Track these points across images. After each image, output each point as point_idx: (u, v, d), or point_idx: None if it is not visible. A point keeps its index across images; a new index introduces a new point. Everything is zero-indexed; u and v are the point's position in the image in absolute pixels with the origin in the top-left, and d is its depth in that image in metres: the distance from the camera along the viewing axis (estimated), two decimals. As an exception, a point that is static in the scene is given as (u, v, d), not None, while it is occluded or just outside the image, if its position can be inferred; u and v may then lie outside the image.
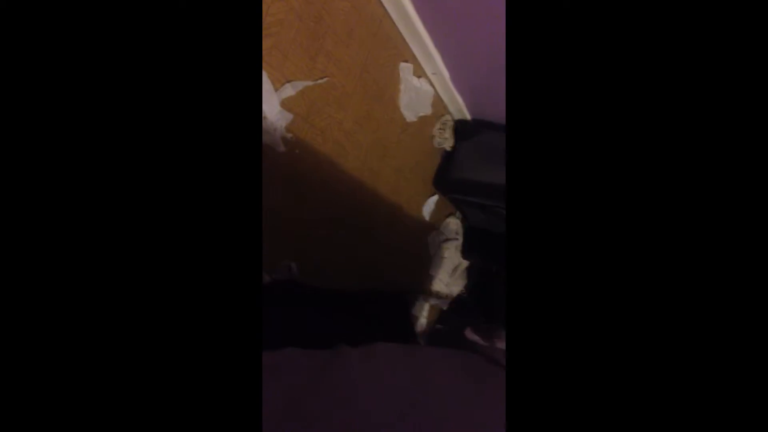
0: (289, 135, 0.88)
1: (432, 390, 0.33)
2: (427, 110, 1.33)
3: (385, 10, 1.06)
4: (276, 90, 0.82)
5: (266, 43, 0.79)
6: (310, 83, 0.89)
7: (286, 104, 0.85)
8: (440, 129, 1.44)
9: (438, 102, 1.38)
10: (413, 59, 1.20)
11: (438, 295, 1.70)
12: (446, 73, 1.26)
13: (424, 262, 1.62)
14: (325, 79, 0.92)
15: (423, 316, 1.65)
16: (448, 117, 1.46)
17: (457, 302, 1.82)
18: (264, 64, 0.79)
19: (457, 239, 1.74)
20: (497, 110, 1.39)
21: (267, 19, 0.79)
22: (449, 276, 1.74)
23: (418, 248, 1.56)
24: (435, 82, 1.31)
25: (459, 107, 1.43)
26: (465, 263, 1.81)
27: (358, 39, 1.01)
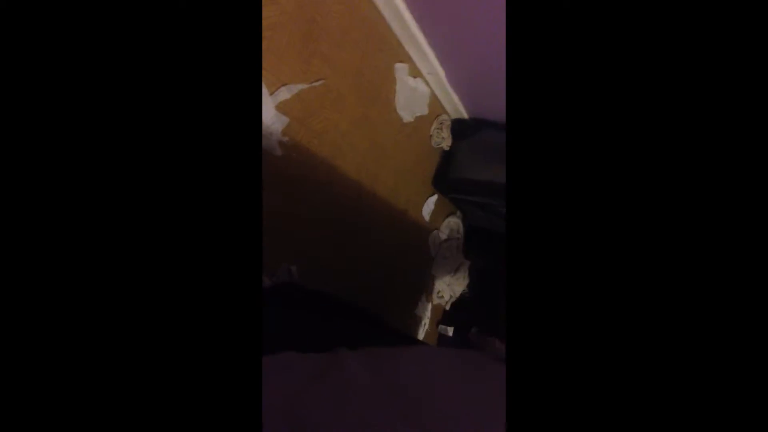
0: (286, 138, 0.87)
1: (433, 390, 0.33)
2: (423, 110, 1.33)
3: (379, 11, 1.06)
4: (271, 94, 0.82)
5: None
6: (305, 86, 0.89)
7: (281, 108, 0.85)
8: (437, 129, 1.44)
9: (435, 102, 1.38)
10: (408, 59, 1.20)
11: (440, 295, 1.70)
12: (441, 72, 1.26)
13: (426, 263, 1.62)
14: (320, 82, 0.92)
15: (426, 317, 1.64)
16: (445, 116, 1.46)
17: (459, 302, 1.81)
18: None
19: (458, 239, 1.74)
20: (494, 108, 1.39)
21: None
22: (451, 276, 1.73)
23: (419, 249, 1.56)
24: (431, 82, 1.31)
25: (456, 106, 1.43)
26: (467, 262, 1.81)
27: (352, 41, 1.00)
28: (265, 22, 0.80)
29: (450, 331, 1.74)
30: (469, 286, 1.83)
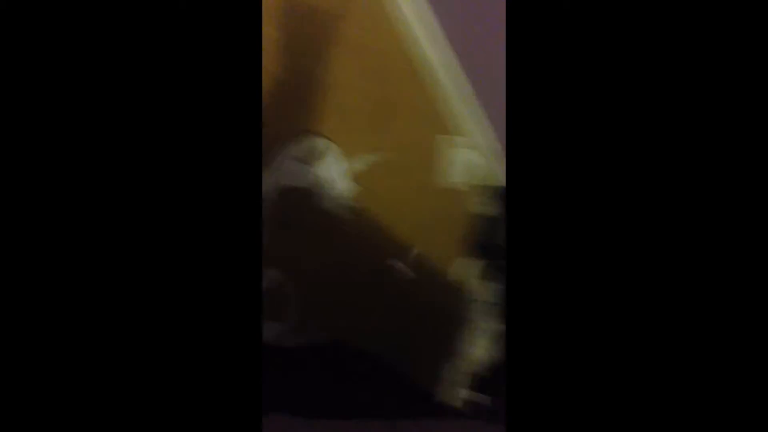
0: (354, 204, 0.95)
1: None
2: (475, 180, 1.40)
3: (446, 92, 1.16)
4: (346, 165, 0.91)
5: (339, 125, 0.89)
6: (374, 158, 0.98)
7: (353, 177, 0.93)
8: (480, 196, 1.49)
9: (479, 170, 1.45)
10: (466, 133, 1.29)
11: (476, 360, 1.69)
12: (498, 145, 1.34)
13: (462, 327, 1.63)
14: (386, 155, 1.01)
15: (460, 382, 1.63)
16: (492, 186, 1.52)
17: (497, 369, 1.78)
18: (338, 142, 0.89)
19: (491, 304, 1.74)
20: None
21: (343, 103, 0.89)
22: (489, 341, 1.72)
23: (456, 312, 1.58)
24: (484, 154, 1.38)
25: (499, 176, 1.49)
26: (502, 328, 1.80)
27: (419, 118, 1.10)
28: (346, 103, 0.89)
29: (485, 399, 1.71)
30: (505, 352, 1.80)
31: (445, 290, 1.54)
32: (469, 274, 1.63)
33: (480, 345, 1.70)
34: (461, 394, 1.65)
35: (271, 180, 0.79)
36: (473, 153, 1.35)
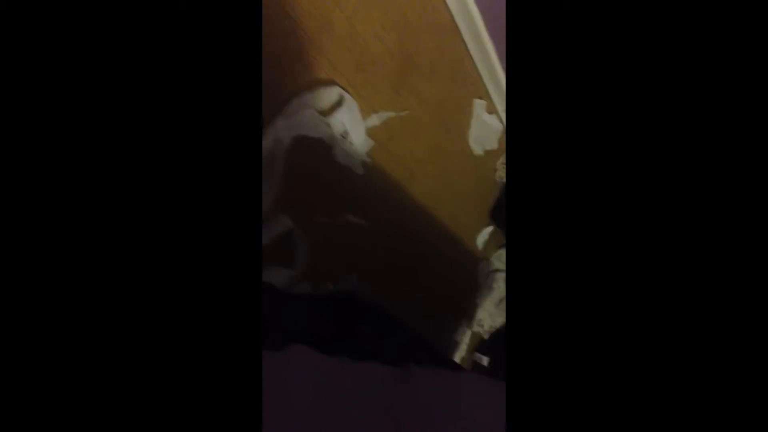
0: (369, 160, 0.95)
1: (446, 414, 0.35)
2: (494, 145, 1.38)
3: (468, 49, 1.12)
4: (363, 119, 0.90)
5: (359, 78, 0.88)
6: (392, 114, 0.97)
7: (369, 132, 0.93)
8: (503, 163, 1.48)
9: (498, 135, 1.43)
10: (487, 95, 1.26)
11: (480, 324, 1.73)
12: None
13: (472, 290, 1.66)
14: (406, 112, 1.00)
15: (464, 343, 1.67)
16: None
17: (499, 333, 1.83)
18: (357, 96, 0.88)
19: (500, 270, 1.76)
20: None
21: (364, 56, 0.87)
22: (495, 306, 1.76)
23: (467, 275, 1.60)
24: (505, 119, 1.36)
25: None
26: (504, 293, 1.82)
27: (439, 75, 1.08)
28: (366, 57, 0.88)
29: (485, 360, 1.76)
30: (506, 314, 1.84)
31: (455, 253, 1.55)
32: (480, 238, 1.64)
33: (486, 308, 1.74)
34: (463, 353, 1.70)
35: (287, 128, 0.79)
36: (493, 117, 1.33)
